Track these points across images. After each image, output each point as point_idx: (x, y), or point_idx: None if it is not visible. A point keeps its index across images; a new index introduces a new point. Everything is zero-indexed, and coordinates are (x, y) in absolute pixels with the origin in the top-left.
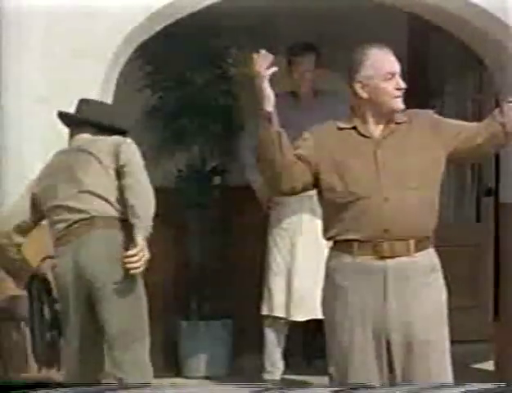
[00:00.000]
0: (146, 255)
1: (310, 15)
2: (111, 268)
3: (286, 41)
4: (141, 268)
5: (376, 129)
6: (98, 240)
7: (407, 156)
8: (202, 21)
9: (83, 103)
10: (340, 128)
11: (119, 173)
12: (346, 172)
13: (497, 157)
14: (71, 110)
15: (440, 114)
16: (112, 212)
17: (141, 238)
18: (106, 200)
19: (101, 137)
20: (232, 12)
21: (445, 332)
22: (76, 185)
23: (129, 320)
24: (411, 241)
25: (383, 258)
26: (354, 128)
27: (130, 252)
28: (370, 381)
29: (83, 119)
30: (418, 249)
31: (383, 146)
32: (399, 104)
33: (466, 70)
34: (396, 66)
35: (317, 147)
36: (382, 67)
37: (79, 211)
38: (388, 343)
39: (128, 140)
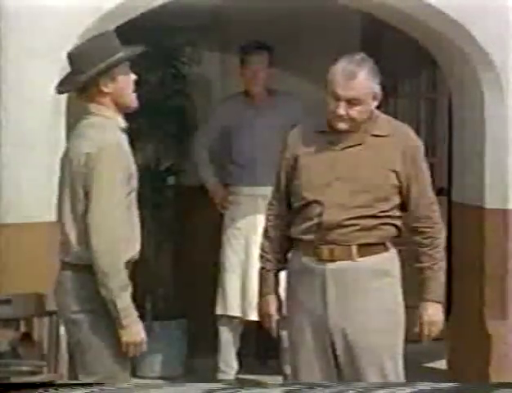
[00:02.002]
0: (141, 339)
1: (263, 14)
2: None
3: (239, 40)
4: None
5: (347, 137)
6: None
7: (367, 170)
8: (154, 21)
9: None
10: (316, 131)
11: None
12: (304, 177)
13: (450, 157)
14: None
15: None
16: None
17: (123, 322)
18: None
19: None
20: (185, 11)
21: (394, 335)
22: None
23: None
24: (354, 247)
25: (322, 261)
26: (324, 132)
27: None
28: (314, 380)
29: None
30: (362, 254)
31: (345, 156)
32: (339, 125)
33: (419, 69)
34: (348, 93)
35: (291, 157)
36: (333, 83)
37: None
38: (333, 344)
39: (103, 145)
